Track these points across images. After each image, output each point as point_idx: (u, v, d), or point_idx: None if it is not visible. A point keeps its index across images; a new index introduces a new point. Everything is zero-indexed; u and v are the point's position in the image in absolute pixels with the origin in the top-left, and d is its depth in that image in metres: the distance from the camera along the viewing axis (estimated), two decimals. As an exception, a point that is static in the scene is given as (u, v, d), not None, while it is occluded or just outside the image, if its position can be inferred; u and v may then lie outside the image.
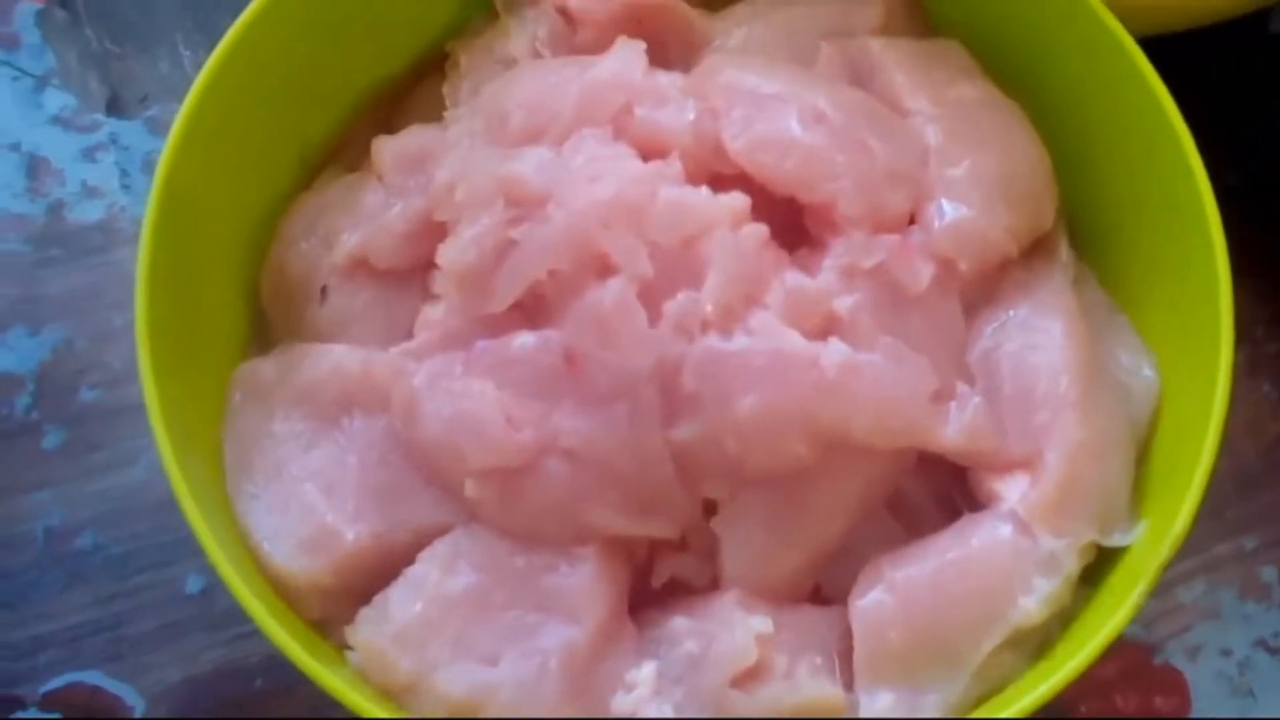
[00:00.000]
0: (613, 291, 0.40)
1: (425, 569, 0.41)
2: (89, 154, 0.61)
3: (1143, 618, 0.39)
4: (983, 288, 0.45)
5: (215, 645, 0.53)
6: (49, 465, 0.56)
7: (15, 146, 0.61)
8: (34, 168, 0.61)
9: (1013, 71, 0.50)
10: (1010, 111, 0.48)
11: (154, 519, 0.55)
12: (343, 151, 0.51)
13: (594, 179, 0.42)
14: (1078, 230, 0.50)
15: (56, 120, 0.62)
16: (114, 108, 0.62)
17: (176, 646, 0.53)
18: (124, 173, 0.61)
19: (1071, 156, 0.49)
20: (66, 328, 0.58)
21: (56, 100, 0.62)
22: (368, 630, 0.40)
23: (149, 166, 0.61)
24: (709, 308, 0.40)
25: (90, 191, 0.60)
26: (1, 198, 0.60)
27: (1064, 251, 0.48)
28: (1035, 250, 0.47)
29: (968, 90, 0.47)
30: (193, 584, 0.54)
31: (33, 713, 0.52)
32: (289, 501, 0.42)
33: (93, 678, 0.53)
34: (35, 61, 0.63)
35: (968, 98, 0.47)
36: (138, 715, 0.52)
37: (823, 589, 0.43)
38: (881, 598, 0.40)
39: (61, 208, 0.60)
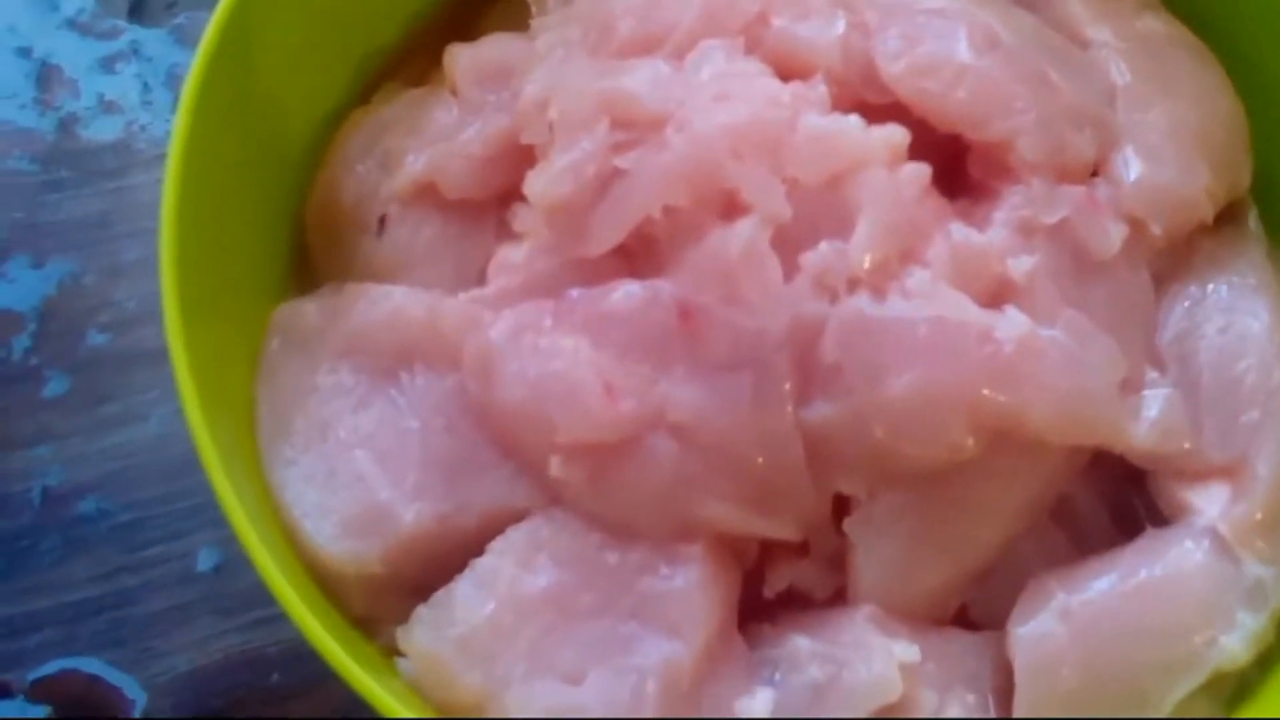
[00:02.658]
0: (741, 236, 0.34)
1: (498, 562, 0.35)
2: (107, 64, 0.56)
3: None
4: (1171, 258, 0.39)
5: (228, 632, 0.47)
6: (49, 417, 0.50)
7: (25, 52, 0.56)
8: (45, 77, 0.56)
9: (1195, 7, 0.43)
10: (1204, 55, 0.42)
11: (165, 484, 0.49)
12: (407, 65, 0.45)
13: (722, 99, 0.36)
14: (1262, 201, 0.43)
15: (72, 25, 0.56)
16: (137, 13, 0.57)
17: (185, 632, 0.47)
18: (145, 87, 0.56)
19: (1258, 111, 0.42)
20: (74, 260, 0.53)
21: (74, 2, 0.56)
22: (426, 634, 0.34)
23: (174, 81, 0.56)
24: (860, 262, 0.34)
25: (107, 106, 0.55)
26: (7, 109, 0.55)
27: (1253, 221, 0.42)
28: (1222, 218, 0.41)
29: (1154, 25, 0.41)
30: (205, 560, 0.48)
31: (19, 702, 0.46)
32: (335, 471, 0.36)
33: (90, 665, 0.47)
34: (52, -44, 0.57)
35: (1156, 33, 0.41)
36: (138, 712, 0.46)
37: (970, 610, 0.37)
38: (1052, 627, 0.34)
39: (74, 123, 0.55)
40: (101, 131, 0.54)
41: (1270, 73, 0.42)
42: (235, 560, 0.48)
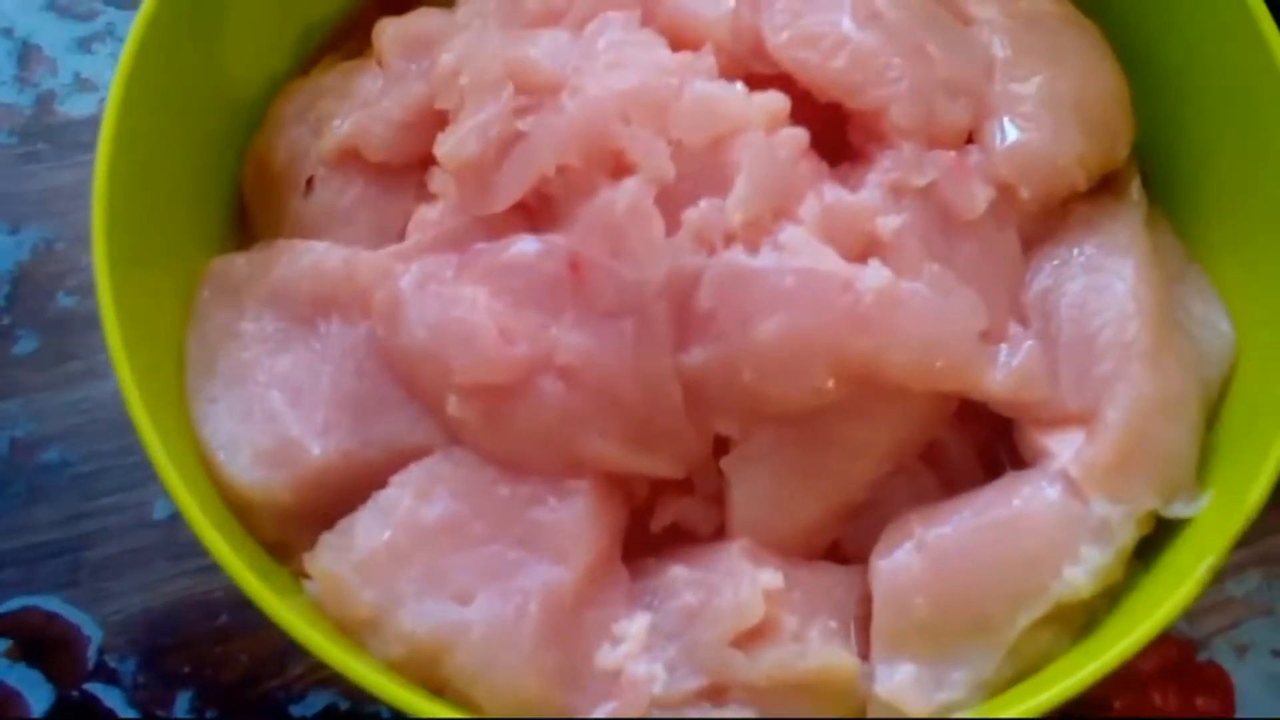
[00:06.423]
0: (627, 193, 0.36)
1: (398, 493, 0.37)
2: (84, 44, 0.58)
3: (1187, 610, 0.34)
4: (1044, 222, 0.41)
5: (179, 575, 0.49)
6: (19, 373, 0.52)
7: (7, 32, 0.58)
8: (25, 56, 0.58)
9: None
10: (1088, 31, 0.43)
11: (125, 437, 0.50)
12: (347, 41, 0.47)
13: (614, 67, 0.38)
14: (1150, 171, 0.45)
15: (52, 6, 0.58)
16: (113, -5, 0.58)
17: (139, 575, 0.49)
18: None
19: (1149, 89, 0.44)
20: (48, 228, 0.55)
21: (53, -15, 0.58)
22: (328, 557, 0.36)
23: (147, 61, 0.57)
24: (735, 218, 0.36)
25: (83, 84, 0.57)
26: (-11, 85, 0.57)
27: (1135, 190, 0.43)
28: (1104, 187, 0.43)
29: (1042, 3, 0.43)
30: (160, 509, 0.50)
31: (-20, 636, 0.48)
32: (251, 409, 0.38)
33: (49, 603, 0.49)
34: (33, -57, 0.59)
35: (1042, 11, 0.43)
36: (94, 647, 0.48)
37: (843, 546, 0.39)
38: (908, 558, 0.36)
39: (51, 99, 0.57)
40: (77, 107, 0.56)
41: (1162, 54, 0.44)
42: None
